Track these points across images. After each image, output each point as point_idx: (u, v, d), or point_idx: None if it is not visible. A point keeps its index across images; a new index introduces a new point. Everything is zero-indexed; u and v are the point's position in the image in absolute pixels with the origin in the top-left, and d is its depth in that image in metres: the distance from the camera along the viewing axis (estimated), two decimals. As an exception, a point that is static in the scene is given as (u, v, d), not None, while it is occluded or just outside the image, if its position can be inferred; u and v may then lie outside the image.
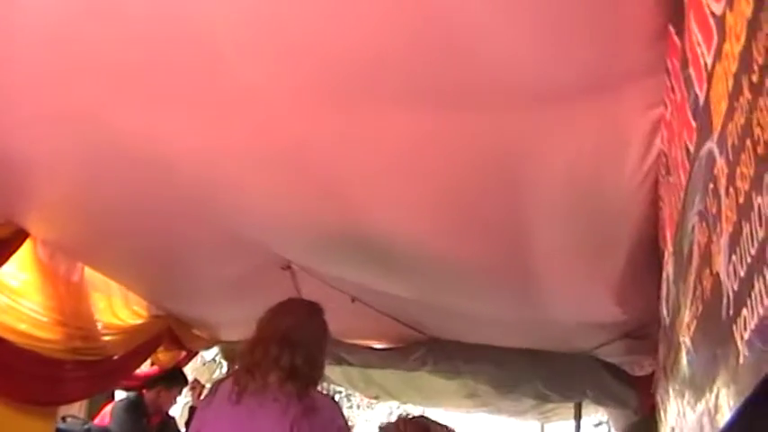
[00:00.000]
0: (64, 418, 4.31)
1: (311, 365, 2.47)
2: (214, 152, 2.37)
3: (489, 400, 6.12)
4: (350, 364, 5.59)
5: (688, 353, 1.43)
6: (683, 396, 1.56)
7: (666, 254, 1.55)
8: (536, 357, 5.00)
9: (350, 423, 2.64)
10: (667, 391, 2.20)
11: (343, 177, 2.39)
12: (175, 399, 5.11)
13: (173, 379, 5.04)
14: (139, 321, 4.26)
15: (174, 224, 3.05)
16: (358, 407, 12.78)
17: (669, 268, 1.52)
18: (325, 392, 2.54)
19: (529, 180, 2.19)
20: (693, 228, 1.28)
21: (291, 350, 2.43)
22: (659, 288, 2.69)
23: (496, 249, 2.78)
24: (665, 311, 1.74)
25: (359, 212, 2.65)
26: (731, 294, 0.98)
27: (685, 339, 1.44)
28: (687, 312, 1.39)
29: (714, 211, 1.14)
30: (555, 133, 1.94)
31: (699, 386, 1.36)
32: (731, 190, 1.01)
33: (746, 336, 0.89)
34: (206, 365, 9.04)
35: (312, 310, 2.64)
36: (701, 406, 1.32)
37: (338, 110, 2.03)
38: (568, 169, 2.09)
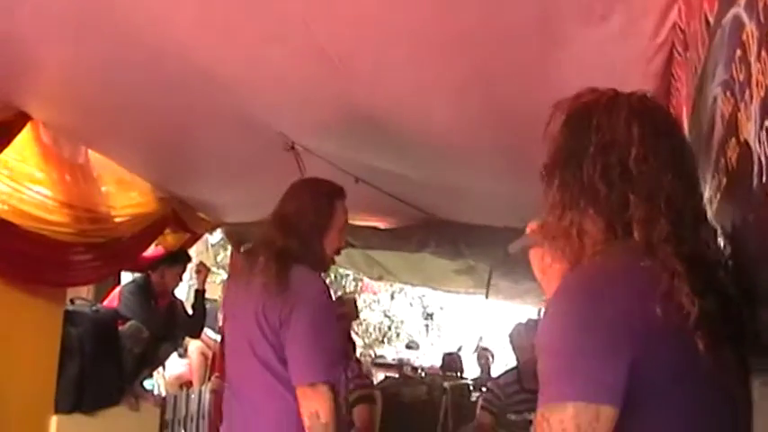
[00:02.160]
0: (72, 301, 4.38)
1: (307, 247, 2.45)
2: (219, 28, 2.30)
3: (491, 279, 6.22)
4: (352, 246, 5.66)
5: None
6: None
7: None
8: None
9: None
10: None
11: (351, 51, 2.32)
12: (179, 277, 5.16)
13: (175, 257, 5.11)
14: (145, 204, 4.26)
15: (178, 103, 3.00)
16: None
17: None
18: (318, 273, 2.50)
19: (543, 58, 2.12)
20: (716, 99, 1.23)
21: (286, 232, 2.43)
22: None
23: (508, 129, 2.73)
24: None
25: (366, 87, 2.60)
26: (764, 161, 0.95)
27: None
28: (707, 188, 1.35)
29: (742, 78, 1.09)
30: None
31: None
32: (763, 54, 0.96)
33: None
34: (211, 249, 9.19)
35: (319, 192, 2.59)
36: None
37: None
38: (584, 45, 2.02)
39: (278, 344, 2.31)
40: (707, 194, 1.37)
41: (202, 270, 5.44)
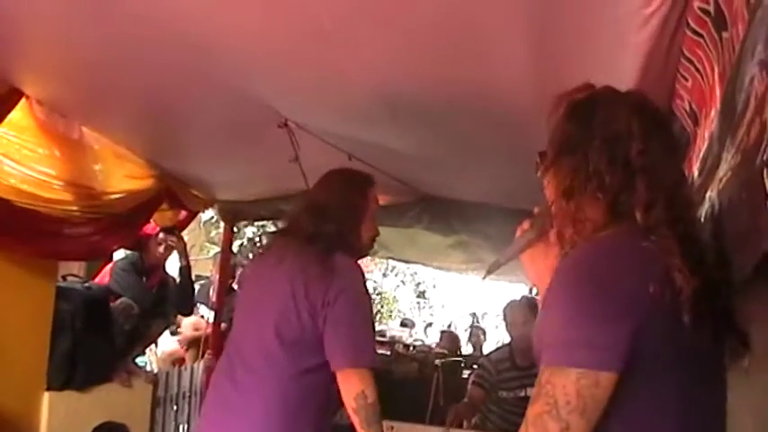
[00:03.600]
0: (64, 278, 4.37)
1: (343, 235, 2.50)
2: (210, 8, 2.28)
3: (483, 255, 6.23)
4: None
5: (712, 206, 1.41)
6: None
7: (713, 112, 1.51)
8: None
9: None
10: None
11: (346, 18, 2.28)
12: (162, 248, 5.06)
13: (162, 232, 5.05)
14: (139, 180, 4.23)
15: (171, 78, 2.97)
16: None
17: (713, 126, 1.48)
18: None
19: (533, 25, 2.09)
20: (753, 79, 1.22)
21: (322, 220, 2.48)
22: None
23: (500, 103, 2.71)
24: (696, 172, 1.72)
25: (361, 57, 2.56)
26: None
27: (712, 194, 1.44)
28: (724, 166, 1.36)
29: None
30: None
31: (717, 238, 1.39)
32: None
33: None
34: (203, 226, 9.18)
35: (352, 183, 2.65)
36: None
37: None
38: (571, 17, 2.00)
39: (310, 325, 2.34)
40: (721, 173, 1.39)
41: (178, 243, 5.19)
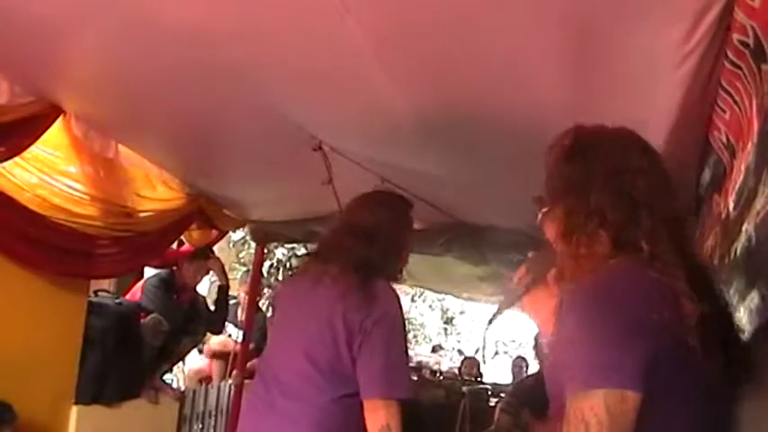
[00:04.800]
0: (96, 293, 4.41)
1: (387, 261, 2.46)
2: (251, 24, 2.29)
3: (513, 287, 6.16)
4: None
5: (749, 239, 1.40)
6: (730, 285, 1.55)
7: (750, 144, 1.51)
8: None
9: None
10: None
11: (387, 42, 2.29)
12: (197, 271, 5.15)
13: (194, 253, 5.12)
14: (172, 199, 4.28)
15: (208, 100, 3.00)
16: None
17: (750, 159, 1.48)
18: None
19: (570, 52, 2.09)
20: None
21: (367, 243, 2.43)
22: (696, 184, 2.62)
23: (533, 130, 2.70)
24: (731, 204, 1.71)
25: (396, 81, 2.56)
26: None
27: (749, 227, 1.42)
28: (761, 199, 1.35)
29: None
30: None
31: (754, 272, 1.37)
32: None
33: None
34: (233, 246, 9.23)
35: (399, 207, 2.62)
36: (754, 291, 1.35)
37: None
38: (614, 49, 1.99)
39: (346, 353, 2.30)
40: (758, 206, 1.38)
41: (215, 263, 5.36)
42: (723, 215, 1.83)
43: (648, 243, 1.32)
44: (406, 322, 2.58)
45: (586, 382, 1.20)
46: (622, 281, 1.30)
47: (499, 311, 1.72)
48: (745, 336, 1.40)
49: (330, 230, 2.64)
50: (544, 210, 1.53)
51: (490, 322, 1.83)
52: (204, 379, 6.71)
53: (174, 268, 5.04)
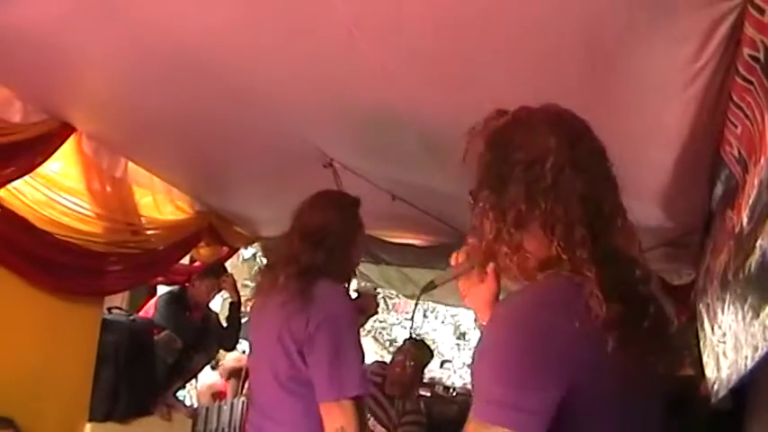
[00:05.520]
0: (110, 310, 4.43)
1: (334, 261, 2.41)
2: (261, 43, 2.31)
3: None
4: (387, 263, 5.63)
5: (763, 254, 1.39)
6: (744, 300, 1.54)
7: (763, 159, 1.49)
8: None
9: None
10: (719, 299, 2.17)
11: (395, 59, 2.30)
12: (209, 288, 5.15)
13: (207, 270, 5.12)
14: (181, 216, 4.30)
15: (217, 118, 3.01)
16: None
17: (763, 173, 1.47)
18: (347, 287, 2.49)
19: (586, 74, 2.09)
20: None
21: (313, 246, 2.38)
22: (708, 198, 2.61)
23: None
24: (745, 219, 1.69)
25: (407, 98, 2.57)
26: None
27: (763, 242, 1.41)
28: None
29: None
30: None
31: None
32: None
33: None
34: (245, 263, 9.24)
35: (343, 204, 2.57)
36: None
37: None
38: (625, 64, 1.99)
39: (301, 361, 2.27)
40: None
41: (227, 280, 5.37)
42: (736, 230, 1.82)
43: (563, 242, 1.26)
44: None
45: (490, 414, 1.18)
46: (542, 303, 1.23)
47: (432, 285, 1.70)
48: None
49: (281, 235, 2.56)
50: (473, 202, 1.43)
51: (423, 292, 1.79)
52: (217, 394, 6.71)
53: (186, 285, 5.05)
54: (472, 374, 1.28)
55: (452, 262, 1.59)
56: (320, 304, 2.27)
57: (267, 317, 2.39)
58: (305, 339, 2.25)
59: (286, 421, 2.33)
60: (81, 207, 3.54)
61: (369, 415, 4.10)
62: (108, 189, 3.65)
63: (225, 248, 5.23)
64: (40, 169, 3.23)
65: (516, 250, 1.32)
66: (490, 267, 1.49)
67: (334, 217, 2.48)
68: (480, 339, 1.33)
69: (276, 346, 2.30)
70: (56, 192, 3.41)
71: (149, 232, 4.07)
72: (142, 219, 3.99)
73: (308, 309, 2.26)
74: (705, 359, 2.78)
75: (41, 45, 2.46)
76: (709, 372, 2.63)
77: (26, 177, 3.18)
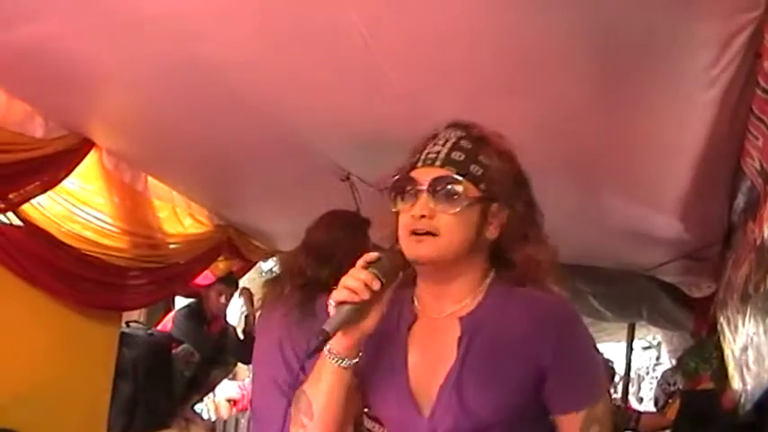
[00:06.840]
0: (128, 324, 4.44)
1: (336, 276, 2.41)
2: (278, 59, 2.32)
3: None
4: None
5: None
6: (765, 313, 1.52)
7: None
8: (592, 274, 4.94)
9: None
10: (739, 311, 2.15)
11: (410, 71, 2.31)
12: (224, 298, 5.12)
13: (221, 281, 5.12)
14: (201, 230, 4.32)
15: (236, 133, 3.03)
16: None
17: None
18: None
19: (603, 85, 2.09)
20: None
21: (319, 262, 2.43)
22: (729, 210, 2.59)
23: (556, 145, 2.69)
24: (766, 231, 1.68)
25: (422, 110, 2.57)
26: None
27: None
28: None
29: None
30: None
31: None
32: None
33: None
34: (262, 276, 9.25)
35: (352, 224, 2.62)
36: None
37: None
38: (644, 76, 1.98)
39: (301, 373, 2.27)
40: None
41: (245, 293, 5.39)
42: (758, 242, 1.81)
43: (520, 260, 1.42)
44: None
45: (597, 394, 1.35)
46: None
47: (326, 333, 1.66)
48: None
49: (289, 252, 2.63)
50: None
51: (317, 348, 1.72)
52: (235, 407, 6.70)
53: (202, 298, 5.04)
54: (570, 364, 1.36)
55: (360, 263, 1.48)
56: (322, 321, 2.27)
57: (270, 325, 2.43)
58: (306, 356, 2.25)
59: (280, 427, 2.32)
60: (103, 222, 3.56)
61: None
62: (128, 203, 3.67)
63: (242, 262, 5.23)
64: (62, 184, 3.26)
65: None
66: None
67: (340, 235, 2.52)
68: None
69: (277, 354, 2.34)
70: (78, 206, 3.43)
71: (170, 246, 4.08)
72: (162, 232, 4.00)
73: (311, 324, 2.24)
74: (731, 372, 2.76)
75: (62, 61, 2.48)
76: (736, 384, 2.61)
77: (49, 192, 3.21)
